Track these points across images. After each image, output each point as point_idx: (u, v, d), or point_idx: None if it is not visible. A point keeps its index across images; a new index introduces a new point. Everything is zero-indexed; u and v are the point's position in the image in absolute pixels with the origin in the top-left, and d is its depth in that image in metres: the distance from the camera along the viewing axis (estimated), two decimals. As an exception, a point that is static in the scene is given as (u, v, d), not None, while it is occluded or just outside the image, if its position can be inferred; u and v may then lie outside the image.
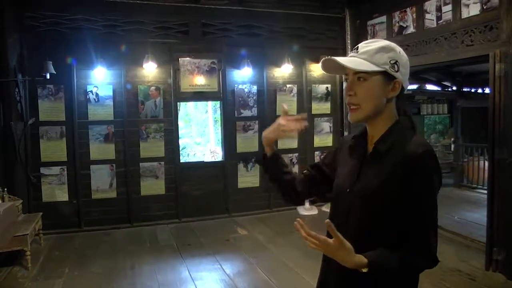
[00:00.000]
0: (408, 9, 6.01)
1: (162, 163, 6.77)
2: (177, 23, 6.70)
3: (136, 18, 6.46)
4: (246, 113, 7.17)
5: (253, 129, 7.20)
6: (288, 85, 7.35)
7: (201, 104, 10.43)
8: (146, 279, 4.64)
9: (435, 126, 11.98)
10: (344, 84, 1.63)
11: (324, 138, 7.59)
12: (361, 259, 1.33)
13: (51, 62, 5.84)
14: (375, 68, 1.44)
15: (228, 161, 7.10)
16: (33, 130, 6.12)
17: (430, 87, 10.15)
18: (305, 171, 1.89)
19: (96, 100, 6.43)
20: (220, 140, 7.50)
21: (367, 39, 5.67)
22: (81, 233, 6.24)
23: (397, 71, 1.46)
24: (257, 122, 7.21)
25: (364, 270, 1.34)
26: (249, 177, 7.21)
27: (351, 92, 1.48)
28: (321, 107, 7.57)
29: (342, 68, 1.49)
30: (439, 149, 10.62)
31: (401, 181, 1.39)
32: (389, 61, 1.45)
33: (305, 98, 7.45)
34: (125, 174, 6.58)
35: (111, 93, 6.49)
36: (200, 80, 6.84)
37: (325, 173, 1.79)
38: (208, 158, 9.40)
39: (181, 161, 7.12)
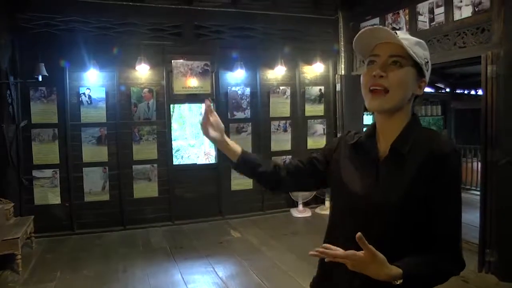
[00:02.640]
0: (401, 11, 6.04)
1: (155, 165, 6.75)
2: (170, 25, 6.68)
3: (129, 20, 6.43)
4: (239, 115, 7.17)
5: (246, 131, 7.20)
6: (281, 87, 7.36)
7: (195, 106, 10.38)
8: (138, 283, 4.61)
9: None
10: (364, 69, 1.41)
11: (317, 140, 7.58)
12: (396, 270, 1.23)
13: (43, 64, 5.79)
14: (416, 58, 1.34)
15: (221, 163, 7.07)
16: (25, 133, 6.07)
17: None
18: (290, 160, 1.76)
19: (89, 102, 6.40)
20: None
21: None
22: (73, 236, 6.20)
23: (427, 71, 1.40)
24: (250, 124, 7.22)
25: (399, 282, 1.24)
26: (242, 179, 7.15)
27: (383, 73, 1.33)
28: (315, 109, 7.58)
29: (367, 48, 1.40)
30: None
31: (429, 183, 1.29)
32: (424, 58, 1.38)
33: (298, 100, 7.46)
34: (118, 176, 6.54)
35: (104, 95, 6.46)
36: (193, 82, 6.83)
37: (316, 167, 1.65)
38: (202, 160, 9.37)
39: (174, 163, 7.09)
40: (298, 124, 7.49)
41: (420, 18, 5.69)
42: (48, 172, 6.22)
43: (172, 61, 6.73)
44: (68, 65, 6.23)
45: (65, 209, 6.28)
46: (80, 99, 6.36)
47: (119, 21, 6.40)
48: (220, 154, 7.07)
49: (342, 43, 7.20)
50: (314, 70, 7.53)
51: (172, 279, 4.73)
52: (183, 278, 4.72)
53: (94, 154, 6.45)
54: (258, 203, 7.25)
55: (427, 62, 1.40)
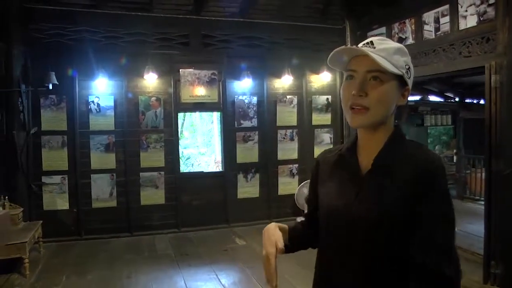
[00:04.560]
0: (407, 21, 6.04)
1: (162, 173, 6.83)
2: (178, 35, 6.79)
3: (137, 29, 6.57)
4: (246, 123, 7.23)
5: (253, 139, 7.24)
6: (288, 96, 7.41)
7: (206, 114, 10.43)
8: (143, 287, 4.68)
9: (440, 137, 11.94)
10: (343, 82, 1.34)
11: (324, 149, 7.57)
12: None
13: (54, 72, 5.95)
14: (395, 71, 1.26)
15: (228, 171, 7.14)
16: (35, 139, 6.22)
17: (433, 98, 10.14)
18: (302, 219, 1.65)
19: (98, 110, 6.52)
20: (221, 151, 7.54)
21: None
22: (81, 241, 6.30)
23: (409, 78, 1.32)
24: (257, 133, 7.27)
25: None
26: (248, 188, 7.24)
27: (362, 93, 1.26)
28: (322, 118, 7.60)
29: (343, 63, 1.33)
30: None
31: (416, 202, 1.20)
32: (405, 65, 1.30)
33: (305, 109, 7.51)
34: (125, 183, 6.64)
35: (112, 104, 6.59)
36: (200, 91, 6.92)
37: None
38: (212, 168, 9.44)
39: (181, 171, 7.17)
40: (305, 133, 7.52)
41: (426, 27, 5.69)
42: (57, 178, 6.35)
43: (180, 70, 6.82)
44: (77, 73, 6.37)
45: (73, 215, 6.40)
46: (89, 107, 6.49)
47: (128, 31, 6.54)
48: (227, 162, 7.14)
49: None
50: (321, 79, 7.57)
51: (175, 285, 4.78)
52: (186, 285, 4.77)
53: (102, 161, 6.56)
54: (264, 212, 7.27)
55: (409, 68, 1.32)
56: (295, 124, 7.48)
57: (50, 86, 5.96)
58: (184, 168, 9.56)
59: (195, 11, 6.75)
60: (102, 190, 6.55)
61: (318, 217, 1.48)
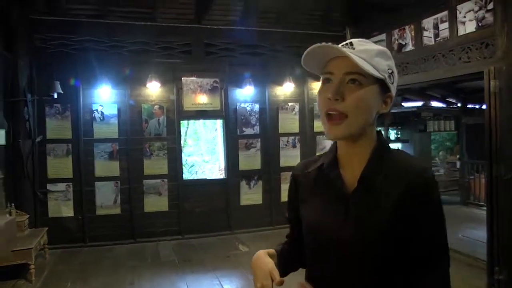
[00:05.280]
0: (407, 27, 6.08)
1: (166, 180, 6.89)
2: (180, 44, 6.88)
3: (140, 39, 6.67)
4: (248, 131, 7.29)
5: (255, 147, 7.30)
6: (290, 103, 7.47)
7: (210, 122, 10.44)
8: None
9: (444, 143, 11.94)
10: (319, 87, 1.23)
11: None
12: None
13: (58, 82, 6.08)
14: (377, 74, 1.15)
15: (231, 178, 7.19)
16: (40, 148, 6.31)
17: (435, 103, 10.16)
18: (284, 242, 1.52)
19: (101, 118, 6.61)
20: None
21: None
22: (85, 248, 6.35)
23: (392, 83, 1.21)
24: (259, 140, 7.33)
25: None
26: (251, 195, 7.28)
27: (338, 96, 1.14)
28: (323, 124, 7.62)
29: (321, 64, 1.22)
30: (445, 166, 10.58)
31: (409, 220, 1.13)
32: (387, 70, 1.19)
33: (307, 116, 7.56)
34: (129, 191, 6.71)
35: (116, 112, 6.67)
36: (202, 99, 6.99)
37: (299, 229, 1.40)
38: (216, 175, 9.49)
39: (184, 178, 7.22)
40: (307, 140, 7.57)
41: (425, 33, 5.74)
42: (61, 186, 6.43)
43: (182, 78, 6.91)
44: (81, 83, 6.49)
45: (77, 222, 6.47)
46: (93, 116, 6.58)
47: (131, 40, 6.64)
48: (229, 169, 7.19)
49: None
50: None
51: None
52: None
53: (106, 169, 6.64)
54: (267, 218, 7.31)
55: (392, 72, 1.21)
56: (297, 131, 7.53)
57: (55, 95, 6.09)
58: (188, 175, 9.62)
59: (196, 20, 6.84)
60: (106, 198, 6.62)
61: (301, 236, 1.37)
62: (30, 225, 5.62)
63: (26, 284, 4.88)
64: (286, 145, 7.46)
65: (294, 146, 7.49)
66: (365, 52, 1.15)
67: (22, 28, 5.99)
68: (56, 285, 4.93)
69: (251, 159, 7.29)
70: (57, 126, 6.44)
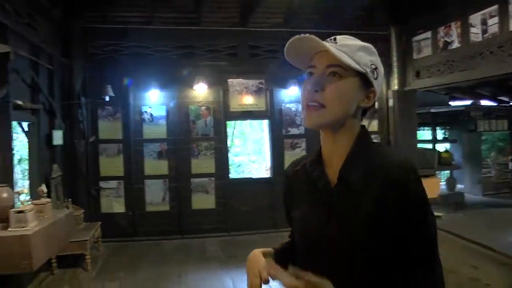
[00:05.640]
0: (452, 24, 5.98)
1: (213, 179, 7.09)
2: (226, 46, 7.08)
3: (187, 43, 6.93)
4: (294, 131, 7.37)
5: (300, 146, 7.37)
6: (332, 103, 7.45)
7: (257, 122, 10.56)
8: (191, 285, 4.91)
9: (496, 144, 11.52)
10: (308, 78, 1.23)
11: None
12: None
13: (110, 85, 6.40)
14: (356, 67, 1.17)
15: (276, 177, 7.28)
16: (93, 148, 6.69)
17: (485, 102, 9.88)
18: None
19: (151, 119, 6.91)
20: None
21: (412, 56, 5.63)
22: (135, 242, 6.65)
23: (375, 79, 1.23)
24: (304, 140, 7.38)
25: None
26: (296, 193, 7.33)
27: (318, 88, 1.17)
28: (368, 124, 7.57)
29: (306, 58, 1.24)
30: (496, 168, 10.22)
31: (391, 217, 1.11)
32: (370, 65, 1.21)
33: (350, 115, 7.50)
34: (177, 189, 6.95)
35: (164, 113, 6.95)
36: (248, 100, 7.15)
37: None
38: (263, 175, 9.62)
39: (230, 177, 7.39)
40: (351, 139, 7.51)
41: (472, 30, 5.61)
42: (113, 183, 6.78)
43: (228, 80, 7.09)
44: (131, 86, 6.80)
45: (128, 217, 6.79)
46: (143, 117, 6.90)
47: (178, 44, 6.90)
48: (275, 169, 7.30)
49: (394, 58, 7.17)
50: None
51: (223, 285, 4.96)
52: (233, 285, 4.93)
53: (155, 168, 6.92)
54: None
55: (375, 68, 1.23)
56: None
57: (107, 98, 6.43)
58: (235, 175, 9.80)
59: (241, 23, 7.03)
60: (155, 195, 6.90)
61: None
62: (85, 219, 5.98)
63: (83, 273, 5.26)
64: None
65: (338, 145, 7.47)
66: (347, 46, 1.19)
67: (77, 37, 6.39)
68: (109, 275, 5.26)
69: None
70: (109, 127, 6.80)
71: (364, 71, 1.19)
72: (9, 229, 2.62)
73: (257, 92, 7.20)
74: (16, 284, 3.14)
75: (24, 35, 4.78)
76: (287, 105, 7.36)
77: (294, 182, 1.39)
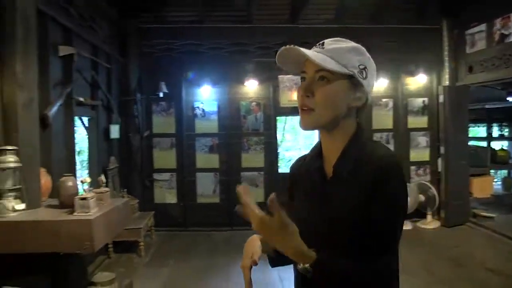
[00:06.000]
0: (511, 15, 5.78)
1: (262, 173, 7.25)
2: (276, 43, 7.18)
3: (238, 40, 7.09)
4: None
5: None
6: (383, 100, 7.43)
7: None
8: (237, 276, 5.08)
9: None
10: (301, 83, 1.32)
11: (420, 153, 7.47)
12: (308, 252, 1.15)
13: (164, 82, 6.70)
14: (343, 70, 1.24)
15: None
16: (148, 141, 7.05)
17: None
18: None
19: (203, 115, 7.18)
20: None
21: (465, 50, 5.53)
22: (186, 232, 6.94)
23: (364, 79, 1.29)
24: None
25: (306, 266, 1.14)
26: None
27: (308, 93, 1.26)
28: (418, 121, 7.48)
29: (300, 64, 1.30)
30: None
31: (370, 200, 1.20)
32: (358, 65, 1.27)
33: (400, 112, 7.45)
34: (227, 182, 7.17)
35: (215, 109, 7.19)
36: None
37: None
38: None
39: (279, 171, 7.52)
40: (401, 136, 7.45)
41: (533, 22, 5.41)
42: (166, 176, 7.12)
43: (279, 76, 7.19)
44: (184, 82, 7.10)
45: (180, 208, 7.12)
46: (195, 112, 7.18)
47: (230, 42, 7.09)
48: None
49: (446, 52, 7.04)
50: (417, 81, 7.45)
51: (269, 275, 5.04)
52: (279, 276, 5.05)
53: (206, 161, 7.20)
54: None
55: (364, 68, 1.29)
56: (391, 127, 7.46)
57: (161, 94, 6.74)
58: (285, 169, 9.91)
59: (292, 20, 7.10)
60: (206, 187, 7.17)
61: None
62: (139, 209, 6.33)
63: (136, 258, 5.62)
64: (379, 141, 7.43)
65: (387, 142, 7.40)
66: (334, 50, 1.26)
67: (132, 36, 6.74)
68: (161, 261, 5.57)
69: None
70: (162, 122, 7.13)
71: (351, 72, 1.26)
72: (74, 214, 2.87)
73: (309, 88, 7.25)
74: (79, 264, 3.46)
75: (86, 37, 5.12)
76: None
77: (297, 176, 1.49)
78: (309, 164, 1.41)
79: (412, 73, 7.43)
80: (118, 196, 5.51)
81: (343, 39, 1.33)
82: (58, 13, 4.33)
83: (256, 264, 1.37)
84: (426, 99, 7.49)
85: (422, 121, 7.51)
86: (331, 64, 1.23)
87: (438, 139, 7.35)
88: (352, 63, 1.26)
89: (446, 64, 7.04)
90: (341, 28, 7.04)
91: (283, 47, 1.26)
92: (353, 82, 1.27)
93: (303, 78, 1.31)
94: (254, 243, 1.43)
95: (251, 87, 7.21)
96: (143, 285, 4.65)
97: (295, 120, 11.09)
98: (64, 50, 4.42)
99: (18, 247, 2.76)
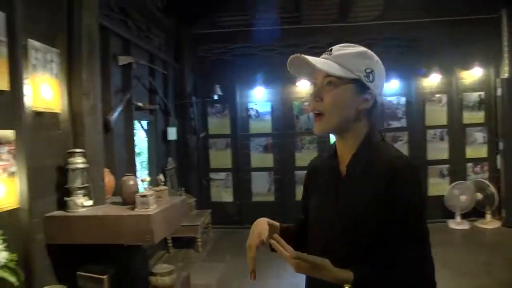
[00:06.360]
0: None
1: (316, 171, 7.33)
2: (327, 42, 7.22)
3: (290, 41, 7.20)
4: (395, 124, 7.33)
5: (402, 140, 7.31)
6: (437, 95, 7.27)
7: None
8: (293, 275, 5.20)
9: None
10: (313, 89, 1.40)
11: (477, 149, 7.25)
12: (345, 274, 1.20)
13: (218, 85, 6.96)
14: (348, 75, 1.31)
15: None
16: (204, 142, 7.36)
17: None
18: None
19: (256, 115, 7.41)
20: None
21: None
22: (241, 229, 7.10)
23: (371, 82, 1.33)
24: (406, 133, 7.31)
25: (347, 286, 1.20)
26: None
27: (318, 98, 1.34)
28: (474, 116, 7.25)
29: (312, 71, 1.37)
30: None
31: (384, 203, 1.23)
32: (365, 69, 1.32)
33: (455, 107, 7.27)
34: (282, 180, 7.36)
35: (269, 109, 7.40)
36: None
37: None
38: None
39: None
40: (456, 132, 7.27)
41: None
42: (222, 175, 7.42)
43: (330, 75, 7.24)
44: (237, 84, 7.38)
45: (236, 207, 7.39)
46: (249, 113, 7.41)
47: (282, 43, 7.23)
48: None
49: (505, 43, 6.75)
50: (473, 74, 7.23)
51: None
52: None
53: (261, 161, 7.41)
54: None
55: (371, 71, 1.33)
56: (445, 123, 7.29)
57: (216, 97, 7.00)
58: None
59: (340, 19, 7.12)
60: (261, 186, 7.38)
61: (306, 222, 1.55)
62: (196, 207, 6.62)
63: (194, 253, 5.92)
64: (433, 138, 7.29)
65: (441, 138, 7.28)
66: (340, 56, 1.33)
67: (187, 42, 7.05)
68: (217, 257, 5.85)
69: (397, 152, 7.26)
70: (217, 123, 7.44)
71: (357, 76, 1.31)
72: (135, 210, 3.15)
73: (357, 86, 7.26)
74: (140, 256, 3.75)
75: (143, 46, 5.44)
76: (389, 98, 7.31)
77: (313, 174, 1.56)
78: (325, 163, 1.48)
79: (467, 67, 7.22)
80: (176, 194, 5.82)
81: (352, 44, 1.39)
82: (118, 26, 4.66)
83: (263, 243, 1.45)
84: (482, 93, 7.24)
85: (478, 116, 7.27)
86: (336, 70, 1.30)
87: (496, 135, 7.11)
88: (358, 67, 1.31)
89: (506, 55, 6.74)
90: (390, 24, 6.96)
91: (291, 56, 1.36)
92: (361, 85, 1.32)
93: (314, 84, 1.39)
94: (263, 225, 1.51)
95: (303, 87, 7.33)
96: (200, 278, 4.90)
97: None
98: (123, 60, 4.75)
99: (86, 238, 3.08)
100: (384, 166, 1.26)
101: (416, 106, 7.33)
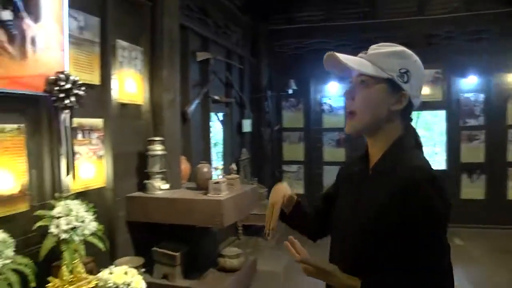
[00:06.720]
0: None
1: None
2: (402, 37, 7.12)
3: (364, 36, 7.12)
4: (472, 122, 7.05)
5: (479, 139, 7.00)
6: (522, 92, 6.86)
7: (440, 112, 10.19)
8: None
9: None
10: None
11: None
12: (354, 281, 1.23)
13: (293, 80, 7.16)
14: (381, 74, 1.28)
15: (451, 170, 7.06)
16: (278, 135, 7.60)
17: None
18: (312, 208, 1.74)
19: (330, 110, 7.52)
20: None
21: None
22: (311, 221, 7.31)
23: (406, 82, 1.29)
24: (484, 132, 6.99)
25: None
26: (473, 189, 6.99)
27: (350, 97, 1.35)
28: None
29: (347, 69, 1.34)
30: None
31: (396, 210, 1.20)
32: (399, 69, 1.28)
33: (543, 104, 6.79)
34: (353, 175, 7.36)
35: (342, 104, 7.41)
36: (424, 90, 7.05)
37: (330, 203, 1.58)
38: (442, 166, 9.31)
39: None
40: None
41: None
42: (294, 167, 7.64)
43: (410, 70, 7.14)
44: (311, 79, 7.50)
45: (306, 200, 7.41)
46: (322, 108, 7.53)
47: (356, 38, 7.20)
48: (450, 161, 7.22)
49: None
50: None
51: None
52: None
53: (333, 155, 7.50)
54: (489, 215, 6.78)
55: (406, 71, 1.29)
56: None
57: (290, 91, 7.21)
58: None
59: (419, 11, 6.96)
60: (332, 180, 7.36)
61: (325, 218, 1.59)
62: (268, 197, 6.80)
63: (263, 241, 6.15)
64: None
65: (527, 139, 6.88)
66: (374, 55, 1.32)
67: (263, 38, 7.30)
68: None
69: (473, 152, 7.00)
70: (291, 117, 7.65)
71: (390, 76, 1.28)
72: (208, 195, 3.45)
73: (433, 82, 7.11)
74: (211, 238, 4.08)
75: (220, 42, 5.75)
76: (466, 95, 7.06)
77: (343, 175, 1.59)
78: (356, 164, 1.48)
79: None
80: (248, 183, 6.11)
81: (390, 44, 1.36)
82: (197, 25, 5.00)
83: (289, 199, 1.63)
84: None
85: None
86: (367, 68, 1.29)
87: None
88: (392, 66, 1.29)
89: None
90: (470, 16, 6.64)
91: (326, 54, 1.36)
92: (394, 85, 1.29)
93: (350, 82, 1.39)
94: (283, 187, 1.69)
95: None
96: (267, 265, 5.11)
97: (427, 115, 10.74)
98: (201, 56, 5.08)
99: (162, 218, 3.45)
100: (403, 173, 1.22)
101: (495, 104, 6.94)
